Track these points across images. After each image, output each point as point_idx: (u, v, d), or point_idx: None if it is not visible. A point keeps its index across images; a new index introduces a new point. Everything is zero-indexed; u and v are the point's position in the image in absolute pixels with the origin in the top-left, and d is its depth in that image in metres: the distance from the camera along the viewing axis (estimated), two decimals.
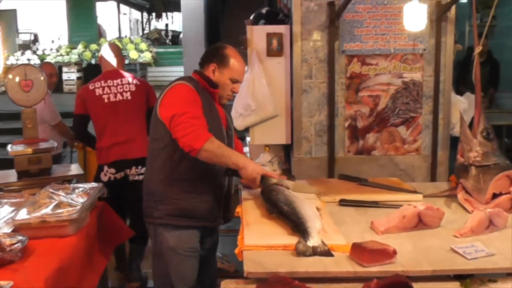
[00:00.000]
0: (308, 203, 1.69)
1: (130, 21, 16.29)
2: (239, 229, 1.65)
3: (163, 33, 14.37)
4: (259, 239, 1.52)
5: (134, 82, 2.96)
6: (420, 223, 1.63)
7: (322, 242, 1.46)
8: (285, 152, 3.05)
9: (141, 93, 2.94)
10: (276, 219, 1.68)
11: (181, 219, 1.86)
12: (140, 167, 2.81)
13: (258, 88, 2.75)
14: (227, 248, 2.58)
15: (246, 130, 2.89)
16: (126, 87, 2.89)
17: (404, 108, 2.69)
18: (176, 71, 8.83)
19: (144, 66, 10.09)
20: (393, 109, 2.69)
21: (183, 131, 1.69)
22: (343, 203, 1.93)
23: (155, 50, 10.32)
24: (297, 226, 1.53)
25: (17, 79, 2.48)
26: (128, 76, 2.97)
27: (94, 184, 2.26)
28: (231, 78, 1.88)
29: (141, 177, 2.75)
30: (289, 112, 2.80)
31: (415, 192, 2.04)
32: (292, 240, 1.50)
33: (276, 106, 2.77)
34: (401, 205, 1.73)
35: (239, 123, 2.78)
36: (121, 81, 2.90)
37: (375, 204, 1.90)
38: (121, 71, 2.98)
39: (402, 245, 1.50)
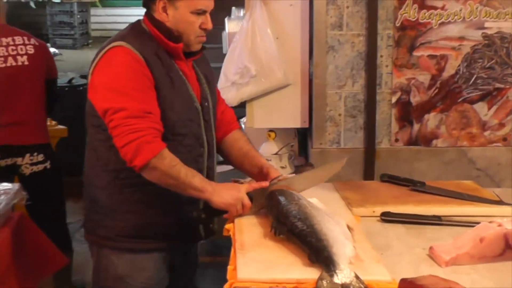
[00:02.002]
0: (333, 218, 1.68)
1: None
2: (229, 256, 1.65)
3: None
4: (259, 271, 1.52)
5: (32, 42, 3.02)
6: (508, 249, 1.61)
7: (356, 276, 1.44)
8: (300, 141, 3.08)
9: (41, 58, 3.03)
10: (285, 242, 1.67)
11: (136, 241, 1.92)
12: (36, 154, 2.98)
13: (261, 43, 2.75)
14: (210, 283, 2.61)
15: (241, 106, 2.88)
16: (22, 49, 2.95)
17: (485, 76, 2.69)
18: (133, 15, 8.68)
19: (84, 6, 9.88)
20: (468, 77, 2.69)
21: (121, 138, 1.74)
22: (388, 218, 1.92)
23: None
24: (318, 252, 1.52)
25: None
26: (22, 34, 3.03)
27: (7, 185, 2.25)
28: (193, 10, 1.88)
29: (40, 167, 2.94)
30: (307, 80, 2.82)
31: (500, 202, 2.04)
32: (310, 273, 1.49)
33: (287, 70, 2.77)
34: (478, 223, 1.72)
35: (231, 96, 2.80)
36: (13, 40, 2.96)
37: (436, 220, 1.89)
38: (11, 27, 3.05)
39: (478, 283, 1.50)
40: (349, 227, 1.66)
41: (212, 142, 2.01)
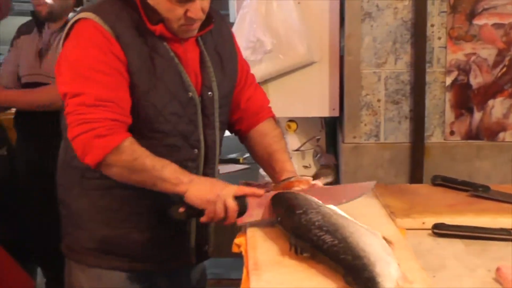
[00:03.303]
0: (367, 229, 1.69)
1: None
2: (239, 279, 1.68)
3: None
4: None
5: None
6: None
7: None
8: (328, 134, 3.12)
9: None
10: (309, 260, 1.68)
11: (103, 257, 1.96)
12: None
13: (278, 9, 2.77)
14: None
15: None
16: None
17: None
18: None
19: None
20: None
21: (71, 129, 1.81)
22: (441, 231, 1.93)
23: None
24: (357, 272, 1.52)
25: None
26: None
27: None
28: None
29: None
30: (337, 56, 2.84)
31: None
32: None
33: (311, 44, 2.78)
34: None
35: None
36: None
37: (504, 235, 1.89)
38: None
39: None
40: (386, 240, 1.67)
41: (214, 144, 2.02)
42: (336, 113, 2.86)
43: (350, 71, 2.73)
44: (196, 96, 1.96)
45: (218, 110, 2.03)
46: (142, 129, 1.86)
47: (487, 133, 2.73)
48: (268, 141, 2.12)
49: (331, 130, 3.11)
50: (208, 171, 2.00)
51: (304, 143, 2.88)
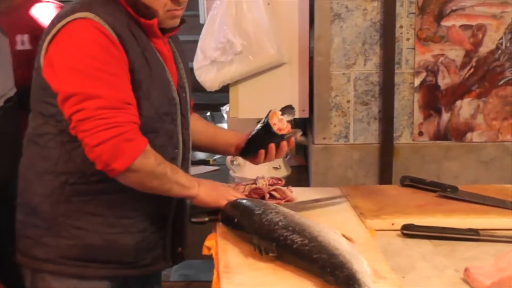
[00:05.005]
0: (329, 227, 1.71)
1: None
2: (210, 281, 1.68)
3: None
4: None
5: None
6: None
7: None
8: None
9: None
10: (278, 261, 1.69)
11: (84, 265, 1.90)
12: None
13: (248, 10, 2.77)
14: None
15: (223, 91, 2.92)
16: None
17: None
18: None
19: None
20: None
21: (95, 135, 1.74)
22: (410, 231, 1.93)
23: None
24: (334, 269, 1.54)
25: None
26: None
27: None
28: None
29: None
30: (307, 58, 2.84)
31: None
32: None
33: (281, 45, 2.78)
34: None
35: (210, 78, 2.85)
36: None
37: (472, 235, 1.89)
38: None
39: None
40: (346, 237, 1.68)
41: (188, 144, 2.02)
42: (306, 114, 2.86)
43: (319, 72, 2.74)
44: (176, 95, 1.95)
45: (188, 107, 2.03)
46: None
47: (455, 133, 2.75)
48: (204, 122, 2.22)
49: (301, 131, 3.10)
50: (184, 170, 1.98)
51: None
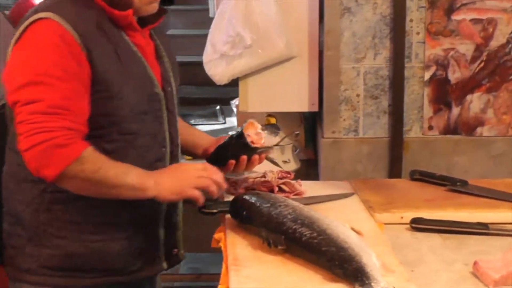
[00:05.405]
0: (336, 220, 1.71)
1: None
2: (218, 274, 1.68)
3: None
4: None
5: None
6: None
7: None
8: (307, 129, 3.10)
9: None
10: (287, 254, 1.69)
11: (66, 275, 1.87)
12: None
13: (258, 6, 2.77)
14: None
15: (233, 84, 2.92)
16: None
17: None
18: None
19: None
20: None
21: (25, 139, 1.70)
22: (420, 225, 1.93)
23: None
24: (343, 262, 1.53)
25: None
26: None
27: None
28: None
29: None
30: (316, 51, 2.84)
31: None
32: None
33: (290, 39, 2.78)
34: None
35: (220, 71, 2.85)
36: None
37: (482, 229, 1.89)
38: None
39: None
40: (355, 231, 1.68)
41: (177, 141, 1.97)
42: (315, 108, 2.86)
43: (329, 66, 2.73)
44: (160, 90, 1.91)
45: (177, 106, 1.99)
46: (112, 133, 1.79)
47: (465, 127, 2.74)
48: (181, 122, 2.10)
49: (310, 125, 3.09)
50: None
51: (283, 138, 2.86)
